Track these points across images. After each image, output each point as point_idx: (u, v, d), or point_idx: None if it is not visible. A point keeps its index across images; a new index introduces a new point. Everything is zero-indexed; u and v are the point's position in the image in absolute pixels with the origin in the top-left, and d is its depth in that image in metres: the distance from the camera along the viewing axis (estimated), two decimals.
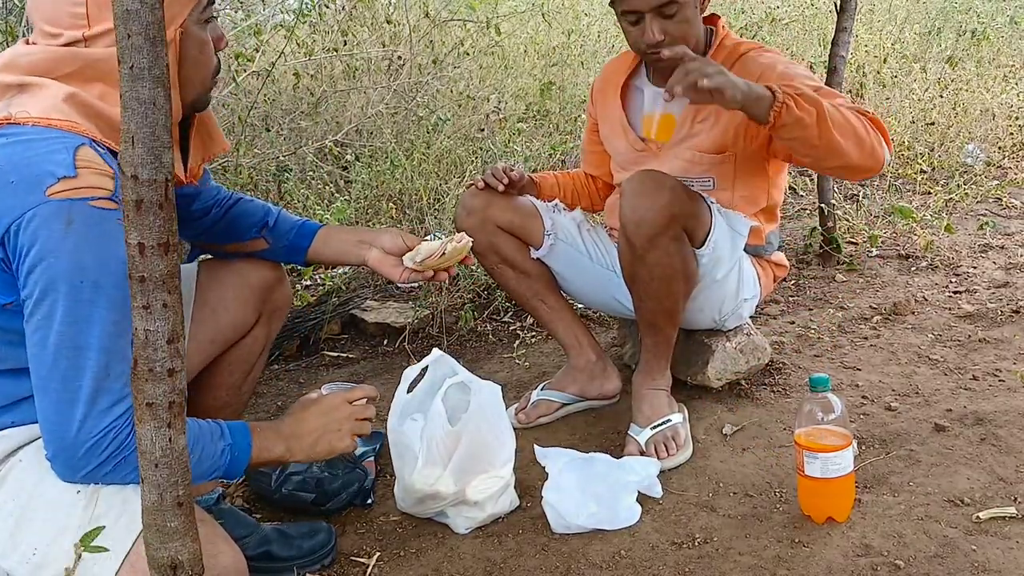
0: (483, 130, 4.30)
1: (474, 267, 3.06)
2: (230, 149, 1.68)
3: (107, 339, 1.22)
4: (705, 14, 2.07)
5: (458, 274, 3.05)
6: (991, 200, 4.02)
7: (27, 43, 1.36)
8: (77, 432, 1.22)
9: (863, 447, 2.02)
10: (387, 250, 1.73)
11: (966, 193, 3.99)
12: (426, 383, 1.88)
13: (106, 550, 1.18)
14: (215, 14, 1.45)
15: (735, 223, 2.08)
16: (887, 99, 4.97)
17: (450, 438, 1.76)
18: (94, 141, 1.26)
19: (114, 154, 1.25)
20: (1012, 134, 4.77)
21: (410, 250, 1.72)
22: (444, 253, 1.69)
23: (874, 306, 2.90)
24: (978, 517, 1.72)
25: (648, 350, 2.12)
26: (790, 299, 3.01)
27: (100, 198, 1.21)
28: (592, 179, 2.44)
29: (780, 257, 2.30)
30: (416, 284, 3.20)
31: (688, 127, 2.11)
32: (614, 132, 2.24)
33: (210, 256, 1.78)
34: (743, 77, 1.86)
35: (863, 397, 2.28)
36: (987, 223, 3.54)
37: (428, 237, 1.74)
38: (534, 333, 2.84)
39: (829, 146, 1.77)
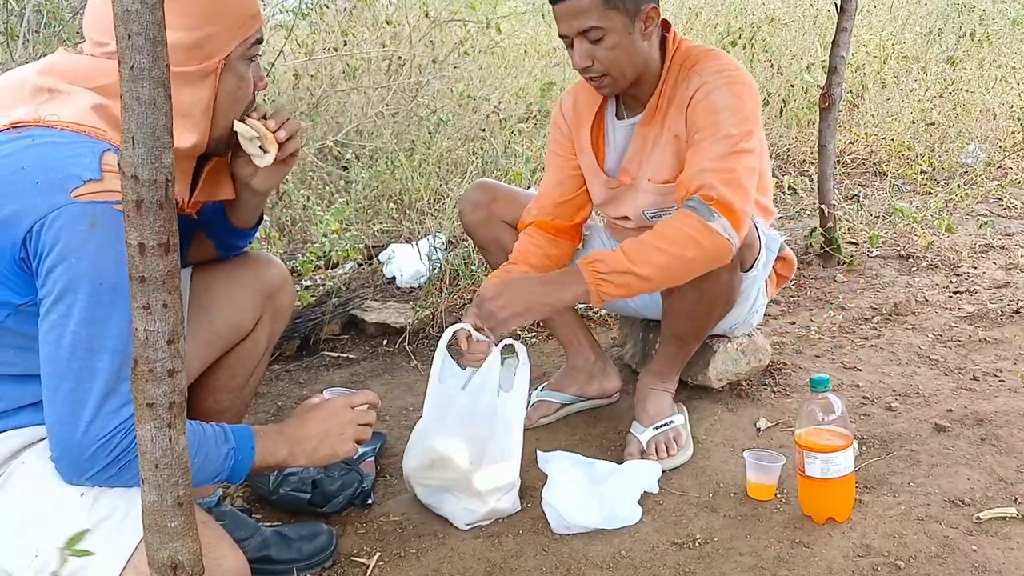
0: (483, 130, 4.30)
1: (474, 267, 3.07)
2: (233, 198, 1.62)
3: (121, 342, 1.22)
4: (651, 35, 1.92)
5: (458, 274, 3.05)
6: (992, 200, 4.02)
7: (66, 51, 1.37)
8: (84, 433, 1.22)
9: (863, 447, 2.02)
10: (250, 173, 1.56)
11: (966, 193, 3.99)
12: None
13: (90, 554, 1.17)
14: (260, 54, 1.44)
15: (771, 243, 2.08)
16: (887, 99, 4.97)
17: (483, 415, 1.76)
18: (119, 149, 1.26)
19: None
20: (1013, 134, 4.77)
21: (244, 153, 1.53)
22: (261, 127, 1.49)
23: (875, 306, 2.90)
24: (978, 517, 1.72)
25: (666, 356, 2.11)
26: (791, 299, 3.01)
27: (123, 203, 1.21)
28: (544, 236, 2.14)
29: (788, 252, 2.24)
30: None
31: (645, 163, 2.01)
32: (588, 168, 2.13)
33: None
34: (683, 96, 1.90)
35: (863, 397, 2.28)
36: (987, 223, 3.54)
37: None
38: (534, 333, 2.84)
39: (676, 276, 1.81)
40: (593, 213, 2.30)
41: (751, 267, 2.00)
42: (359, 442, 1.52)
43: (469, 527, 1.81)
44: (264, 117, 1.50)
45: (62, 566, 1.13)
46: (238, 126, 1.46)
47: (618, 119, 2.09)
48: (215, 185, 1.55)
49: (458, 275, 3.05)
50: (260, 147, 1.48)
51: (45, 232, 1.20)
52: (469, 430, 1.78)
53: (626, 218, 2.10)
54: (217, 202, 1.66)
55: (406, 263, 3.29)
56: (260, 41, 1.42)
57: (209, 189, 1.54)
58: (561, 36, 1.91)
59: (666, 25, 2.00)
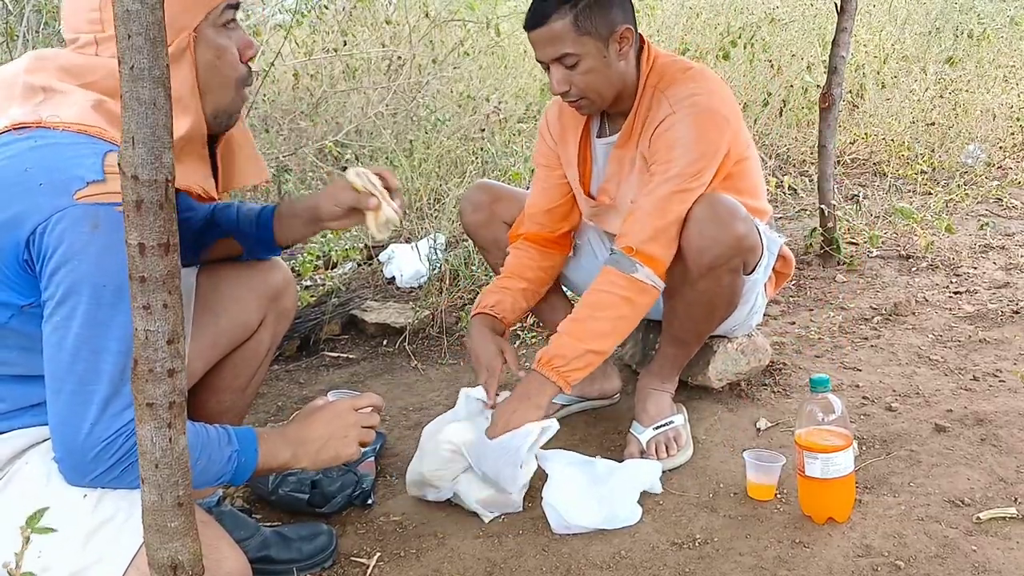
0: (483, 130, 4.30)
1: (474, 267, 3.07)
2: (268, 178, 1.62)
3: (125, 344, 1.22)
4: (627, 55, 1.92)
5: (458, 274, 3.05)
6: (991, 200, 4.02)
7: (51, 48, 1.37)
8: (87, 436, 1.22)
9: (863, 447, 2.02)
10: (336, 216, 1.65)
11: (966, 193, 3.99)
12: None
13: (53, 531, 1.16)
14: (236, 20, 1.40)
15: (771, 245, 2.08)
16: (887, 99, 4.97)
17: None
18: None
19: None
20: (1013, 134, 4.77)
21: (351, 209, 1.63)
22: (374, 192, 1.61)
23: (875, 306, 2.90)
24: (978, 518, 1.72)
25: (666, 357, 2.11)
26: (791, 300, 3.01)
27: None
28: (535, 248, 2.15)
29: (786, 251, 2.24)
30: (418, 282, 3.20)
31: (624, 185, 2.03)
32: (573, 184, 2.14)
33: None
34: (652, 121, 1.91)
35: (863, 398, 2.28)
36: (987, 223, 3.54)
37: (351, 173, 1.63)
38: (534, 334, 2.84)
39: (625, 332, 1.91)
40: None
41: (753, 270, 2.00)
42: (363, 445, 1.52)
43: (479, 503, 1.84)
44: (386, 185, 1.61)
45: (25, 545, 1.12)
46: (388, 212, 1.58)
47: (598, 137, 2.09)
48: (233, 170, 1.54)
49: (458, 275, 3.05)
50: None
51: (48, 234, 1.19)
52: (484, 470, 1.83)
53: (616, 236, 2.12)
54: (267, 217, 1.70)
55: (406, 263, 3.29)
56: (233, 7, 1.38)
57: (230, 175, 1.53)
58: (538, 61, 1.93)
59: (640, 39, 2.00)
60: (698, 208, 1.87)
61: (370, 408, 1.55)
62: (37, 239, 1.20)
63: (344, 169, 4.03)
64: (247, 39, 1.42)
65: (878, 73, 5.11)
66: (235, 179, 1.54)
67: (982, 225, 3.53)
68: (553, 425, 1.85)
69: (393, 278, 3.31)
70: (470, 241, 2.98)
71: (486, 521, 1.83)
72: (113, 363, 1.22)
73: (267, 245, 1.71)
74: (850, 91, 4.99)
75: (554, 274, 2.20)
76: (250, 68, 1.43)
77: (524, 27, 1.90)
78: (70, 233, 1.19)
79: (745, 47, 4.89)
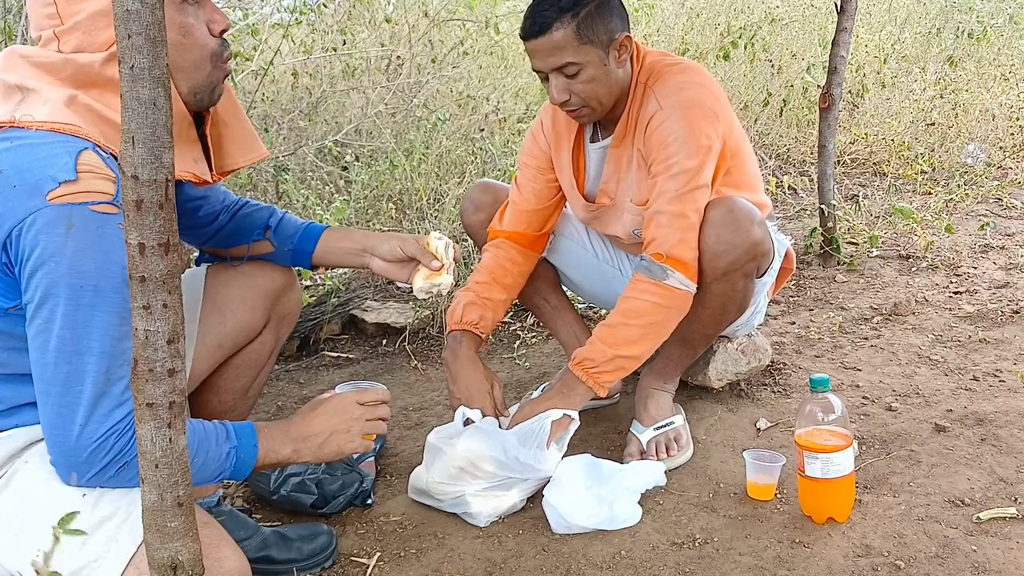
0: (483, 130, 4.30)
1: (474, 267, 3.06)
2: (269, 155, 1.62)
3: (108, 343, 1.22)
4: (625, 62, 1.92)
5: (459, 275, 3.05)
6: (991, 200, 4.02)
7: (23, 45, 1.36)
8: (78, 437, 1.22)
9: (863, 447, 2.02)
10: (387, 260, 1.71)
11: (966, 193, 3.99)
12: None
13: (84, 533, 1.16)
14: None
15: (779, 247, 2.09)
16: (887, 99, 4.97)
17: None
18: (97, 145, 1.25)
19: (117, 159, 1.24)
20: (1013, 134, 4.77)
21: (408, 258, 1.71)
22: (440, 267, 1.70)
23: (874, 306, 2.90)
24: (978, 517, 1.72)
25: (670, 358, 2.11)
26: (790, 300, 3.01)
27: (101, 202, 1.21)
28: (516, 249, 2.15)
29: (788, 249, 2.24)
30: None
31: (623, 184, 2.02)
32: (568, 189, 2.14)
33: (216, 261, 1.77)
34: (644, 118, 1.91)
35: (864, 397, 2.28)
36: (987, 223, 3.54)
37: (434, 234, 1.72)
38: (534, 333, 2.84)
39: (659, 338, 1.91)
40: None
41: (764, 273, 2.00)
42: (378, 436, 1.52)
43: (489, 522, 1.82)
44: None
45: (55, 545, 1.12)
46: (445, 279, 1.67)
47: (591, 142, 2.08)
48: (227, 150, 1.53)
49: (459, 276, 3.04)
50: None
51: (24, 237, 1.19)
52: (502, 462, 1.82)
53: (617, 237, 2.12)
54: (314, 232, 1.73)
55: None
56: None
57: (223, 155, 1.52)
58: (536, 71, 1.91)
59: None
60: (714, 212, 1.87)
61: (377, 401, 1.55)
62: (14, 242, 1.20)
63: (344, 168, 4.04)
64: (216, 13, 1.39)
65: (878, 73, 5.11)
66: (230, 158, 1.53)
67: (982, 225, 3.53)
68: (573, 414, 1.88)
69: None
70: (470, 241, 2.99)
71: (483, 524, 1.83)
72: (96, 364, 1.22)
73: (301, 258, 1.74)
74: (850, 91, 4.99)
75: (526, 278, 2.20)
76: (224, 41, 1.41)
77: (522, 36, 1.87)
78: (45, 235, 1.19)
79: (745, 47, 4.88)
